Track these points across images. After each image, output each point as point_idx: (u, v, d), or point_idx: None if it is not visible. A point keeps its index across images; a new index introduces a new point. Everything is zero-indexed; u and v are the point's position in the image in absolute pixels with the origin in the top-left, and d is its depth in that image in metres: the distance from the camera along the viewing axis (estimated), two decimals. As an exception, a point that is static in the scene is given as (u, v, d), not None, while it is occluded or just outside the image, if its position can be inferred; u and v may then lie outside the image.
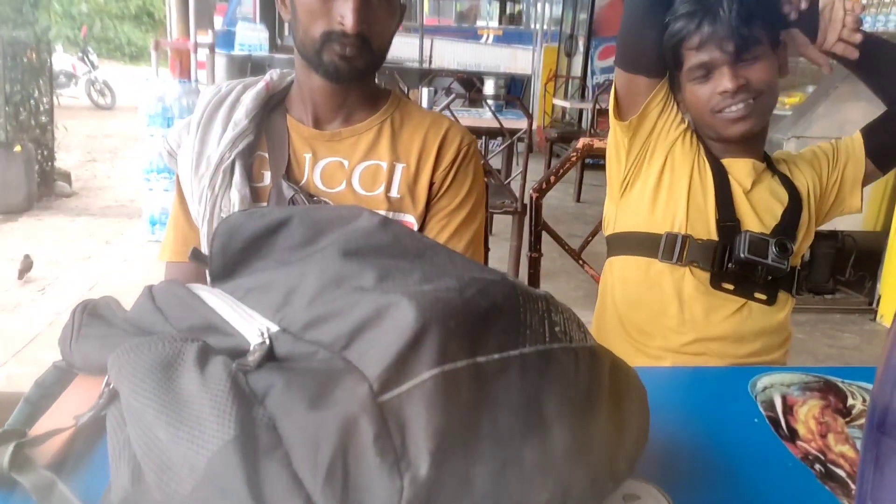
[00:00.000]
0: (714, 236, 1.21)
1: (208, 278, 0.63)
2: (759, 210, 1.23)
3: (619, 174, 1.30)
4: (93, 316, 0.67)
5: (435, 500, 0.43)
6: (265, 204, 1.06)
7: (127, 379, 0.49)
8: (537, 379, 0.50)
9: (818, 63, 1.20)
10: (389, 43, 1.07)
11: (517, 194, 3.39)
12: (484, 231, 1.19)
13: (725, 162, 1.25)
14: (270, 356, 0.49)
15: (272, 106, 1.12)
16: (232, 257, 0.60)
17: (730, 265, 1.20)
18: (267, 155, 1.09)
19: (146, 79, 4.06)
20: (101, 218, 4.88)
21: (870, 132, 1.29)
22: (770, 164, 1.29)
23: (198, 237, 1.09)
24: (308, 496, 0.42)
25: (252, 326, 0.52)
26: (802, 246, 1.27)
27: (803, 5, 1.15)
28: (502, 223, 4.20)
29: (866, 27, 1.21)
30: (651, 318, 1.24)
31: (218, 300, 0.56)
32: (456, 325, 0.47)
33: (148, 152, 3.90)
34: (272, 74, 1.14)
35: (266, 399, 0.45)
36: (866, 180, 1.30)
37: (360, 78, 1.06)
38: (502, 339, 0.49)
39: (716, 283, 1.21)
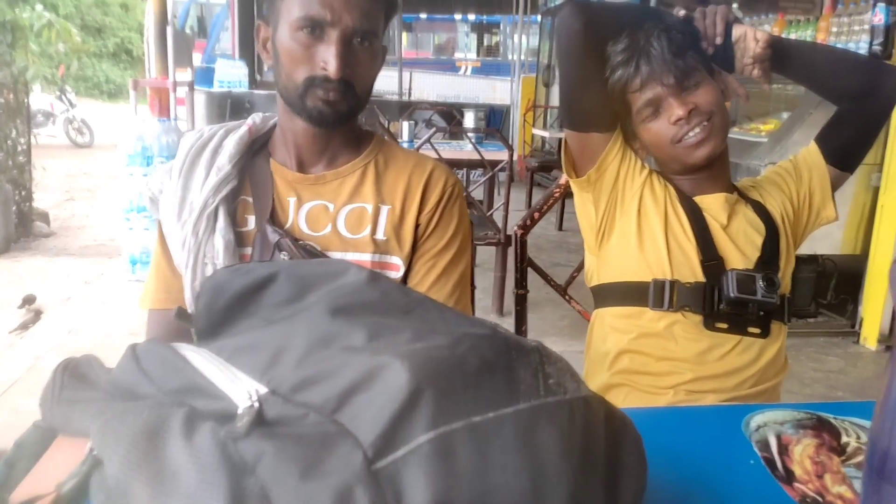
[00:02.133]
0: (700, 277, 1.21)
1: (194, 336, 0.62)
2: (740, 243, 1.23)
3: (592, 227, 1.30)
4: (74, 377, 0.65)
5: (434, 570, 0.42)
6: (249, 249, 1.05)
7: (112, 448, 0.48)
8: (533, 434, 0.49)
9: (738, 93, 1.26)
10: (372, 86, 1.07)
11: (500, 225, 3.40)
12: (472, 268, 1.18)
13: (697, 199, 1.26)
14: (260, 420, 0.48)
15: (255, 150, 1.11)
16: (217, 315, 0.59)
17: (721, 306, 1.20)
18: (251, 199, 1.08)
19: (125, 118, 4.04)
20: (80, 258, 4.82)
21: (823, 139, 1.31)
22: (741, 194, 1.30)
23: (180, 283, 1.07)
24: (302, 571, 0.40)
25: (240, 388, 0.51)
26: (786, 272, 1.27)
27: (718, 41, 1.21)
28: (486, 254, 4.20)
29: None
30: (646, 363, 1.23)
31: (204, 361, 0.55)
32: (449, 385, 0.46)
33: (128, 191, 3.87)
34: (254, 118, 1.14)
35: (257, 467, 0.44)
36: (835, 185, 1.31)
37: (344, 122, 1.06)
38: (496, 396, 0.48)
39: (709, 324, 1.21)
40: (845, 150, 1.30)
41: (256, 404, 0.49)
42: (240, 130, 1.10)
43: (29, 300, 3.75)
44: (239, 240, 1.05)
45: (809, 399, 2.89)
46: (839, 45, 3.48)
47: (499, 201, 3.75)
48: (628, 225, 1.25)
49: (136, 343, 0.62)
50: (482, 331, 0.53)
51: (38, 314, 3.68)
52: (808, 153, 1.32)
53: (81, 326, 3.47)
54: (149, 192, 1.11)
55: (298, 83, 1.00)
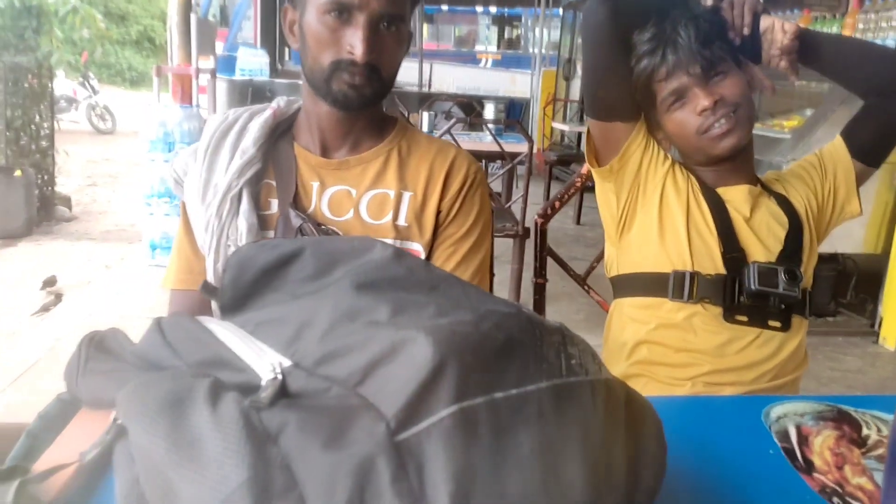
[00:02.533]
0: (721, 269, 1.20)
1: (218, 311, 0.62)
2: (762, 236, 1.22)
3: (613, 218, 1.29)
4: (100, 349, 0.66)
5: (454, 542, 0.42)
6: (272, 232, 1.05)
7: (136, 417, 0.48)
8: (554, 414, 0.49)
9: (764, 85, 1.25)
10: (397, 71, 1.07)
11: (518, 217, 3.39)
12: (491, 256, 1.18)
13: (720, 191, 1.25)
14: (283, 392, 0.48)
15: (279, 134, 1.12)
16: (243, 290, 0.59)
17: (741, 298, 1.19)
18: (274, 183, 1.08)
19: (148, 104, 4.07)
20: (101, 242, 4.87)
21: (849, 133, 1.29)
22: (764, 187, 1.29)
23: (203, 265, 1.08)
24: (324, 540, 0.41)
25: (264, 361, 0.51)
26: (809, 266, 1.26)
27: (745, 31, 1.20)
28: (503, 246, 4.19)
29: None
30: (664, 354, 1.22)
31: (229, 334, 0.55)
32: (473, 361, 0.46)
33: (149, 177, 3.90)
34: (279, 102, 1.14)
35: (280, 438, 0.44)
36: (860, 180, 1.30)
37: (368, 106, 1.06)
38: (520, 373, 0.48)
39: (729, 316, 1.20)
40: (871, 144, 1.28)
41: (280, 377, 0.49)
42: (264, 114, 1.11)
43: (49, 282, 3.81)
44: (262, 223, 1.06)
45: (827, 398, 2.86)
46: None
47: (517, 194, 3.74)
48: (650, 215, 1.24)
49: (161, 317, 0.63)
50: (506, 308, 0.52)
51: (58, 297, 3.73)
52: (833, 147, 1.30)
53: (101, 310, 3.50)
54: (173, 174, 1.12)
55: (324, 66, 1.01)
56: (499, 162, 4.17)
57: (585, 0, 1.23)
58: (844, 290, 3.69)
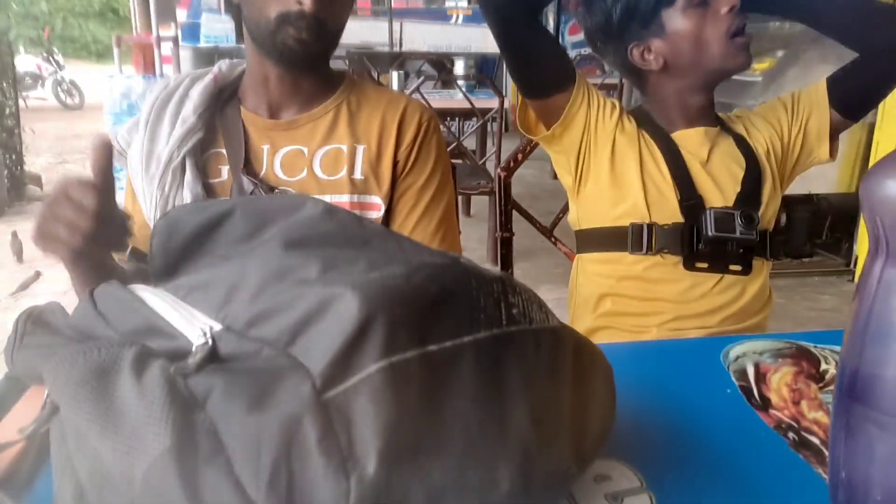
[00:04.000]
0: (678, 217, 1.18)
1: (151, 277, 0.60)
2: (720, 180, 1.20)
3: (569, 174, 1.27)
4: (37, 324, 0.64)
5: (386, 498, 0.41)
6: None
7: (62, 390, 0.47)
8: (494, 364, 0.48)
9: None
10: (344, 25, 1.04)
11: (492, 174, 3.37)
12: (455, 205, 1.16)
13: (677, 136, 1.22)
14: (213, 356, 0.47)
15: (224, 99, 1.08)
16: (173, 255, 0.58)
17: (700, 245, 1.18)
18: (223, 150, 1.05)
19: (110, 76, 3.98)
20: (73, 220, 4.79)
21: (835, 81, 1.25)
22: (724, 126, 1.26)
23: None
24: (251, 503, 0.40)
25: (194, 326, 0.50)
26: (769, 209, 1.24)
27: None
28: (480, 204, 4.18)
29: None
30: (628, 304, 1.22)
31: (159, 300, 0.53)
32: (403, 314, 0.45)
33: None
34: (220, 66, 1.11)
35: (206, 403, 0.43)
36: (836, 130, 1.25)
37: (316, 62, 1.03)
38: (454, 325, 0.47)
39: (689, 264, 1.19)
40: (854, 98, 1.24)
41: (210, 341, 0.48)
42: (205, 79, 1.07)
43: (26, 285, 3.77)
44: (212, 191, 1.03)
45: (804, 338, 2.90)
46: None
47: (491, 150, 3.71)
48: (603, 170, 1.22)
49: (94, 287, 0.61)
50: (442, 260, 0.51)
51: (37, 274, 3.69)
52: (814, 90, 1.26)
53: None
54: (117, 146, 1.09)
55: (270, 19, 0.97)
56: (474, 119, 4.13)
57: None
58: (820, 230, 3.72)
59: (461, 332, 0.47)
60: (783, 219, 3.45)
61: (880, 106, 3.34)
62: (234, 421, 0.42)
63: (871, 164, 3.43)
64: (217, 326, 0.49)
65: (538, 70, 1.20)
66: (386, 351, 0.43)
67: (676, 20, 1.16)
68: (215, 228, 0.57)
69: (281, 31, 0.97)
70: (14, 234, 3.87)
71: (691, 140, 1.22)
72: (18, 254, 3.86)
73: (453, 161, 1.24)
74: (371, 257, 0.50)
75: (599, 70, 6.32)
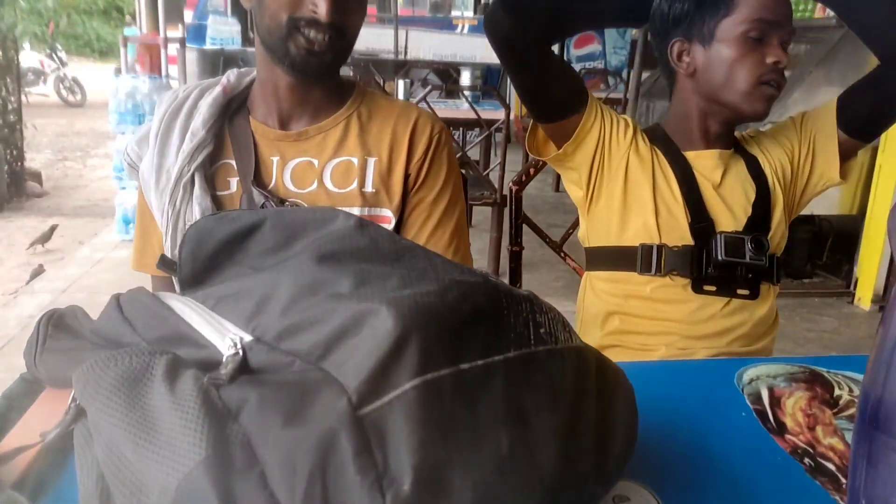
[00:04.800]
0: (688, 240, 1.18)
1: (177, 286, 0.60)
2: (731, 203, 1.20)
3: (579, 192, 1.26)
4: (58, 327, 0.64)
5: (420, 516, 0.41)
6: None
7: (93, 396, 0.47)
8: (523, 384, 0.48)
9: None
10: (357, 34, 1.03)
11: (496, 185, 3.38)
12: (466, 217, 1.16)
13: (690, 155, 1.21)
14: (244, 368, 0.47)
15: (233, 109, 1.07)
16: (202, 264, 0.58)
17: (709, 269, 1.17)
18: (233, 162, 1.04)
19: (115, 75, 3.98)
20: (73, 218, 4.79)
21: (844, 99, 1.21)
22: (738, 147, 1.25)
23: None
24: (286, 517, 0.40)
25: (224, 337, 0.50)
26: (779, 233, 1.23)
27: None
28: (482, 214, 4.19)
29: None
30: (636, 323, 1.21)
31: (188, 309, 0.53)
32: (437, 332, 0.45)
33: (119, 150, 3.84)
34: (229, 76, 1.09)
35: (240, 415, 0.43)
36: (846, 151, 1.22)
37: (328, 72, 1.02)
38: (486, 344, 0.47)
39: (697, 287, 1.18)
40: (864, 118, 1.20)
41: (241, 352, 0.48)
42: (214, 91, 1.06)
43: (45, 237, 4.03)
44: (221, 204, 1.03)
45: (802, 358, 2.91)
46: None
47: (495, 161, 3.72)
48: (616, 188, 1.21)
49: (120, 293, 0.61)
50: (473, 278, 0.51)
51: (41, 267, 3.69)
52: (823, 109, 1.23)
53: (75, 286, 3.46)
54: (127, 158, 1.08)
55: (282, 23, 0.95)
56: (477, 129, 4.14)
57: None
58: (820, 251, 3.73)
59: (492, 352, 0.47)
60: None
61: (884, 130, 3.37)
62: (269, 434, 0.42)
63: (873, 187, 3.45)
64: (247, 337, 0.49)
65: (550, 95, 1.19)
66: (421, 369, 0.43)
67: (726, 39, 1.14)
68: (245, 239, 0.57)
69: (293, 38, 0.96)
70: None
71: (705, 162, 1.21)
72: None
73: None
74: (403, 273, 0.50)
75: (604, 84, 6.36)
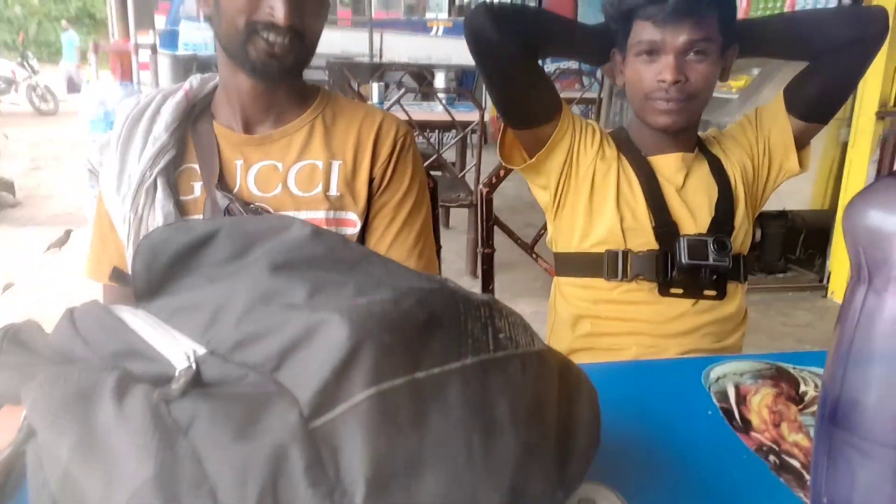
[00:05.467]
0: (653, 244, 1.19)
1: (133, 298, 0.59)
2: (694, 207, 1.21)
3: (546, 197, 1.27)
4: (13, 342, 0.63)
5: (374, 528, 0.40)
6: (199, 217, 1.01)
7: (41, 414, 0.46)
8: (482, 391, 0.48)
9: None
10: (319, 37, 1.02)
11: (472, 187, 3.38)
12: (433, 220, 1.16)
13: (654, 160, 1.22)
14: (197, 381, 0.46)
15: (196, 114, 1.06)
16: (157, 275, 0.57)
17: (674, 272, 1.18)
18: (197, 166, 1.03)
19: (86, 82, 3.94)
20: (48, 227, 4.72)
21: (789, 90, 1.24)
22: (702, 147, 1.26)
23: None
24: (236, 534, 0.39)
25: (178, 350, 0.49)
26: (742, 233, 1.24)
27: None
28: (459, 216, 4.18)
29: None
30: (606, 325, 1.22)
31: (142, 322, 0.52)
32: (392, 340, 0.45)
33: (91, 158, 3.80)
34: (192, 81, 1.08)
35: (190, 430, 0.42)
36: (802, 137, 1.24)
37: (290, 76, 1.02)
38: (443, 351, 0.47)
39: (664, 290, 1.19)
40: (817, 100, 1.23)
41: (194, 365, 0.47)
42: (177, 96, 1.05)
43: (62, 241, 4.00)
44: (185, 209, 1.01)
45: (778, 353, 2.94)
46: (809, 7, 3.47)
47: (471, 163, 3.72)
48: (581, 197, 1.22)
49: (74, 306, 0.60)
50: (429, 285, 0.51)
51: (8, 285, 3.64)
52: (772, 103, 1.27)
53: (50, 296, 3.41)
54: (88, 165, 1.08)
55: (240, 28, 0.95)
56: (453, 132, 4.13)
57: None
58: (794, 246, 3.77)
59: (449, 359, 0.47)
60: (757, 234, 3.49)
61: (853, 125, 3.41)
62: (218, 449, 0.41)
63: (844, 181, 3.49)
64: (201, 350, 0.48)
65: (527, 103, 1.19)
66: (374, 378, 0.43)
67: (630, 56, 1.17)
68: (200, 249, 0.56)
69: (251, 42, 0.95)
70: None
71: (668, 166, 1.22)
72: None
73: (433, 173, 1.23)
74: (359, 281, 0.50)
75: (578, 84, 6.38)
